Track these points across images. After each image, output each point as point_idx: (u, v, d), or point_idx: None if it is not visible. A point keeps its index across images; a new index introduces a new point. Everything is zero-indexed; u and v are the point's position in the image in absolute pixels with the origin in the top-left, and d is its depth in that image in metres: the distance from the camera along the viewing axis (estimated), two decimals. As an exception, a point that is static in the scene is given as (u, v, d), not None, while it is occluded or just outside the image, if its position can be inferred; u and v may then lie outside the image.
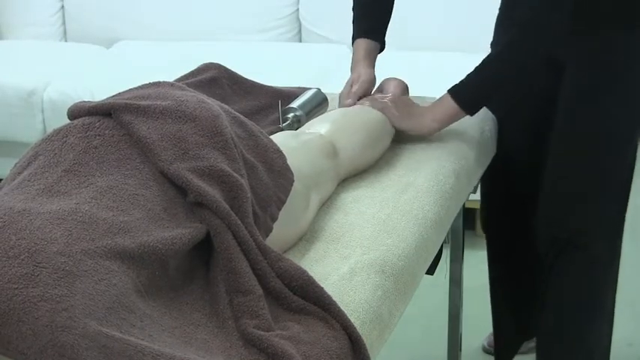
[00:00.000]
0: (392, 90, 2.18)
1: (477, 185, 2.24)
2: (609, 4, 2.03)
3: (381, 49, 2.20)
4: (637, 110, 2.09)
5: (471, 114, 2.01)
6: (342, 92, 2.11)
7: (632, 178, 2.17)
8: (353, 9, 2.20)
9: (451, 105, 1.99)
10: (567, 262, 2.15)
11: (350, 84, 2.11)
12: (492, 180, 2.36)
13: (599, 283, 2.19)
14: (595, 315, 2.20)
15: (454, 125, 2.14)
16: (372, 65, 2.15)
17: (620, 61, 2.04)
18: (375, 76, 2.15)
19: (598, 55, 2.05)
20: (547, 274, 2.20)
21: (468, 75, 2.00)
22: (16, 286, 1.13)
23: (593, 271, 2.16)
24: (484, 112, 2.26)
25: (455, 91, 1.99)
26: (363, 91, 2.09)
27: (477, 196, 2.32)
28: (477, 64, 2.00)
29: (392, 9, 2.21)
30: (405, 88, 2.20)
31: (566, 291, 2.17)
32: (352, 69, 2.15)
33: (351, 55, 2.17)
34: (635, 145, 2.15)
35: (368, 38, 2.16)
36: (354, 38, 2.18)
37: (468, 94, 1.99)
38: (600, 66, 2.05)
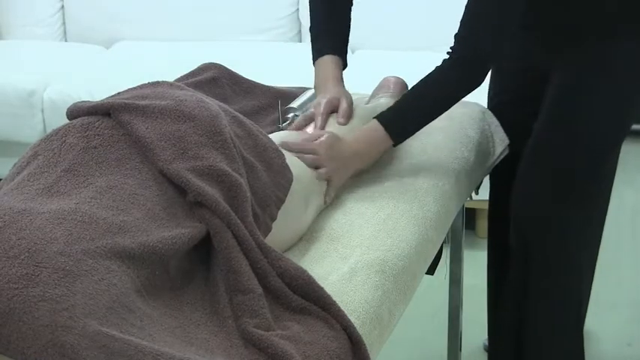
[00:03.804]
0: (392, 88, 2.18)
1: (479, 186, 2.24)
2: (590, 17, 2.03)
3: (344, 67, 2.07)
4: (617, 119, 2.09)
5: (395, 144, 1.91)
6: (321, 110, 1.93)
7: (611, 186, 2.18)
8: (311, 26, 2.09)
9: (383, 138, 1.87)
10: (540, 263, 2.15)
11: (331, 104, 1.94)
12: (495, 183, 2.36)
13: (570, 285, 2.19)
14: (571, 318, 2.21)
15: (454, 125, 2.13)
16: (340, 82, 2.02)
17: (603, 70, 2.04)
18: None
19: (581, 65, 2.05)
20: (520, 274, 2.19)
21: (399, 106, 1.89)
22: (17, 286, 1.14)
23: (568, 273, 2.16)
24: (484, 112, 2.26)
25: (388, 124, 1.87)
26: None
27: (478, 196, 2.32)
28: (409, 93, 1.91)
29: (350, 26, 2.08)
30: (404, 87, 2.20)
31: (540, 293, 2.18)
32: (325, 88, 1.98)
33: (317, 73, 2.03)
34: (617, 154, 2.16)
35: (336, 55, 2.03)
36: (320, 54, 2.04)
37: (401, 128, 1.89)
38: (583, 75, 2.05)
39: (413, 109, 1.90)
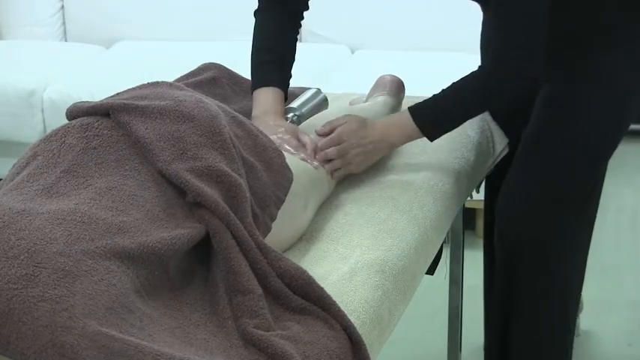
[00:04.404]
0: (388, 87, 2.18)
1: (480, 185, 2.24)
2: (588, 24, 2.03)
3: (285, 99, 2.00)
4: (615, 122, 2.08)
5: (431, 140, 1.92)
6: (294, 144, 1.83)
7: (599, 194, 2.18)
8: (259, 50, 2.01)
9: (412, 128, 1.88)
10: (527, 267, 2.14)
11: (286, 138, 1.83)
12: (491, 184, 2.36)
13: (557, 288, 2.19)
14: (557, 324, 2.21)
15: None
16: (282, 117, 1.94)
17: (600, 74, 2.03)
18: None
19: (578, 70, 2.04)
20: (507, 275, 2.19)
21: (435, 99, 1.90)
22: (16, 287, 1.14)
23: (554, 276, 2.16)
24: (484, 113, 2.26)
25: (418, 115, 1.88)
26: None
27: (478, 196, 2.32)
28: (447, 88, 1.89)
29: (295, 54, 2.03)
30: (400, 85, 2.21)
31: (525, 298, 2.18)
32: (264, 121, 1.88)
33: (257, 102, 1.94)
34: (604, 172, 2.16)
35: (282, 90, 1.97)
36: (262, 84, 1.96)
37: (433, 121, 1.90)
38: (581, 79, 2.04)
39: (450, 113, 1.91)
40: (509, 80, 1.89)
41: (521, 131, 2.13)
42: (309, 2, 2.07)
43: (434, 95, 1.91)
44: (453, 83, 1.90)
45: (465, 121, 1.94)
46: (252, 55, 2.02)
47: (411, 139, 1.92)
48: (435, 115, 1.91)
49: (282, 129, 1.85)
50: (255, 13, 2.05)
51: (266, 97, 1.95)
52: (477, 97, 1.91)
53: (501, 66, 1.88)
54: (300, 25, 2.07)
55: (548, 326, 2.19)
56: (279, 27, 2.03)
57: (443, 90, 1.91)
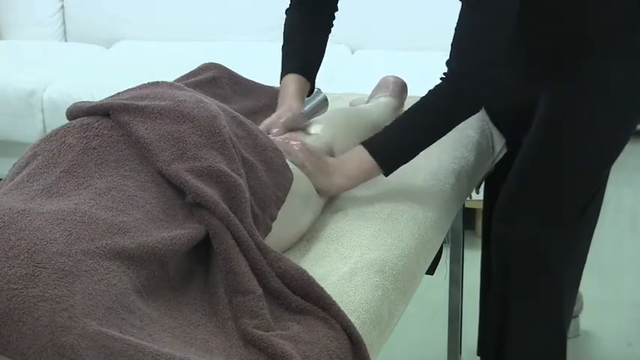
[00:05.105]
0: (391, 88, 2.18)
1: (480, 185, 2.24)
2: (585, 35, 2.02)
3: (310, 92, 2.03)
4: (614, 138, 2.08)
5: (386, 174, 1.82)
6: (268, 121, 1.89)
7: (601, 197, 2.18)
8: (284, 45, 2.07)
9: (366, 160, 1.79)
10: (523, 278, 2.15)
11: (279, 115, 1.90)
12: (489, 185, 2.35)
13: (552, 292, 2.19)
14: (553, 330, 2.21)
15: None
16: (303, 102, 1.98)
17: (599, 88, 2.02)
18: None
19: (576, 84, 2.03)
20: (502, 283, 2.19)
21: (390, 126, 1.84)
22: (16, 287, 1.14)
23: (551, 287, 2.16)
24: (483, 113, 2.26)
25: (372, 146, 1.80)
26: (292, 123, 1.87)
27: (478, 196, 2.32)
28: (402, 115, 1.85)
29: (324, 52, 2.07)
30: (403, 86, 2.20)
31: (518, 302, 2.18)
32: (281, 102, 1.96)
33: (281, 89, 1.99)
34: (607, 175, 2.16)
35: (303, 76, 2.00)
36: (286, 72, 2.01)
37: (388, 150, 1.81)
38: (578, 93, 2.03)
39: (406, 139, 1.83)
40: (473, 93, 1.82)
41: (520, 135, 2.12)
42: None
43: (389, 132, 1.83)
44: (408, 110, 1.83)
45: (426, 147, 1.84)
46: (282, 47, 2.08)
47: (367, 175, 1.81)
48: (400, 155, 1.82)
49: (283, 119, 1.87)
50: (286, 11, 2.11)
51: (290, 83, 2.00)
52: (433, 121, 1.83)
53: (463, 78, 1.81)
54: (332, 25, 2.11)
55: (545, 327, 2.19)
56: (304, 22, 2.08)
57: (398, 123, 1.83)
